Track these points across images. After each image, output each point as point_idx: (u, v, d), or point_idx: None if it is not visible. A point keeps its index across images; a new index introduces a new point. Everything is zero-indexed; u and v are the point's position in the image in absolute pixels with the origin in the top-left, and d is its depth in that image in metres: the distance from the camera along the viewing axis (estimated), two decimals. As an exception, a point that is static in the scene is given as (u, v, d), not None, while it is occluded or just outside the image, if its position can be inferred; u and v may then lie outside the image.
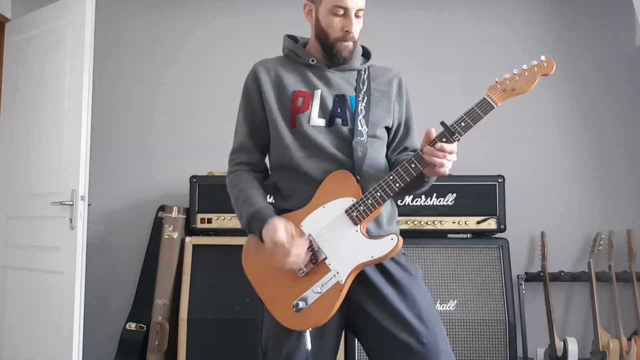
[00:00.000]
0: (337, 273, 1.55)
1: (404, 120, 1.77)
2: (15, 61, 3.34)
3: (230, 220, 3.06)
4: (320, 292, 1.54)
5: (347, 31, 1.64)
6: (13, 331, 3.13)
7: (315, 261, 1.57)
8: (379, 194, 1.56)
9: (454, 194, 3.03)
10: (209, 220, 3.08)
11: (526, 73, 1.62)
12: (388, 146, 1.77)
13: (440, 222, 3.02)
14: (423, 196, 3.03)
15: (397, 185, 1.56)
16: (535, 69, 1.62)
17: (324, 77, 1.71)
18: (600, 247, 3.27)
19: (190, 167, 3.34)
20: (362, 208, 1.56)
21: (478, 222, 3.02)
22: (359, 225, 1.57)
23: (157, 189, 3.55)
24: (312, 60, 1.71)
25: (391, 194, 1.57)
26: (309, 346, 1.55)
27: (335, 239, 1.57)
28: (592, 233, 3.36)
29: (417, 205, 3.02)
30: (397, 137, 1.77)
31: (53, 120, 3.04)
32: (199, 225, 3.08)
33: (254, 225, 1.62)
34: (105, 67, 3.51)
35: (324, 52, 1.70)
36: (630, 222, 3.36)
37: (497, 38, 3.59)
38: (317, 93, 1.68)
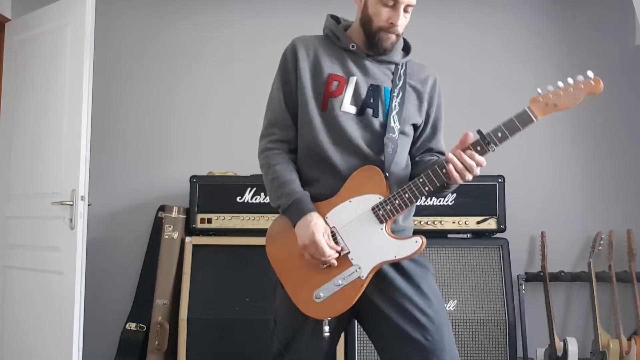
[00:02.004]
0: (359, 268, 1.58)
1: (432, 121, 1.76)
2: (15, 61, 3.34)
3: (230, 220, 3.06)
4: (341, 285, 1.58)
5: (392, 23, 1.63)
6: (13, 331, 3.13)
7: (338, 254, 1.59)
8: (407, 195, 1.58)
9: (454, 194, 3.03)
10: (209, 220, 3.07)
11: (571, 89, 1.54)
12: (413, 144, 1.76)
13: (440, 222, 3.02)
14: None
15: (427, 189, 1.57)
16: (582, 86, 1.53)
17: (362, 64, 1.69)
18: (600, 247, 3.27)
19: (190, 167, 3.34)
20: (389, 207, 1.58)
21: (478, 222, 3.02)
22: (384, 224, 1.58)
23: (157, 189, 3.55)
24: (352, 46, 1.69)
25: (420, 197, 1.58)
26: (326, 334, 1.59)
27: (360, 235, 1.59)
28: (592, 233, 3.36)
29: (417, 205, 3.00)
30: (422, 136, 1.76)
31: (53, 120, 3.04)
32: (199, 225, 3.07)
33: (292, 213, 1.62)
34: (105, 67, 3.51)
35: (366, 39, 1.68)
36: (630, 222, 3.36)
37: (497, 38, 3.59)
38: (353, 79, 1.67)
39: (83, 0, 2.93)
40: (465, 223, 3.02)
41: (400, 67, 1.72)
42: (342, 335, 2.82)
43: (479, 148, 1.54)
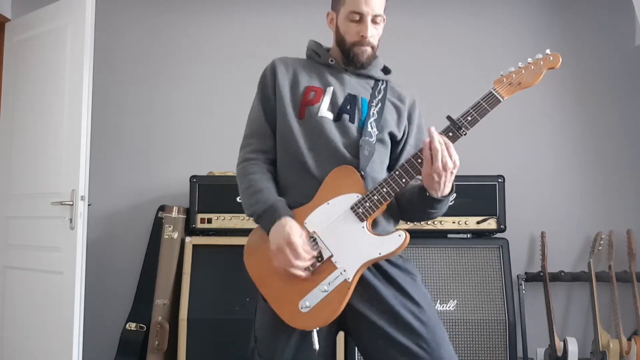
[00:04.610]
0: (344, 271, 1.52)
1: (414, 143, 1.74)
2: (15, 61, 3.34)
3: (230, 220, 3.06)
4: (327, 291, 1.51)
5: (362, 36, 1.67)
6: (13, 331, 3.13)
7: (321, 259, 1.53)
8: (385, 189, 1.54)
9: (454, 194, 3.02)
10: (209, 220, 3.07)
11: (532, 67, 1.61)
12: (396, 161, 1.74)
13: (440, 222, 3.02)
14: (423, 196, 3.02)
15: (404, 180, 1.54)
16: (541, 62, 1.61)
17: (340, 77, 1.74)
18: (600, 247, 3.27)
19: (190, 167, 3.35)
20: (368, 204, 1.54)
21: (478, 222, 3.02)
22: (365, 222, 1.54)
23: (157, 189, 3.55)
24: (331, 60, 1.75)
25: (397, 190, 1.54)
26: (316, 346, 1.51)
27: (341, 236, 1.54)
28: (592, 233, 3.36)
29: (417, 205, 3.02)
30: (403, 154, 1.74)
31: (53, 120, 3.04)
32: (199, 225, 3.07)
33: (265, 219, 1.58)
34: (105, 67, 3.51)
35: (344, 57, 1.73)
36: (630, 222, 3.37)
37: (497, 37, 3.59)
38: (330, 89, 1.70)
39: (83, 0, 2.93)
40: (465, 223, 3.02)
41: (380, 83, 1.76)
42: (342, 335, 2.84)
43: (450, 134, 1.54)
